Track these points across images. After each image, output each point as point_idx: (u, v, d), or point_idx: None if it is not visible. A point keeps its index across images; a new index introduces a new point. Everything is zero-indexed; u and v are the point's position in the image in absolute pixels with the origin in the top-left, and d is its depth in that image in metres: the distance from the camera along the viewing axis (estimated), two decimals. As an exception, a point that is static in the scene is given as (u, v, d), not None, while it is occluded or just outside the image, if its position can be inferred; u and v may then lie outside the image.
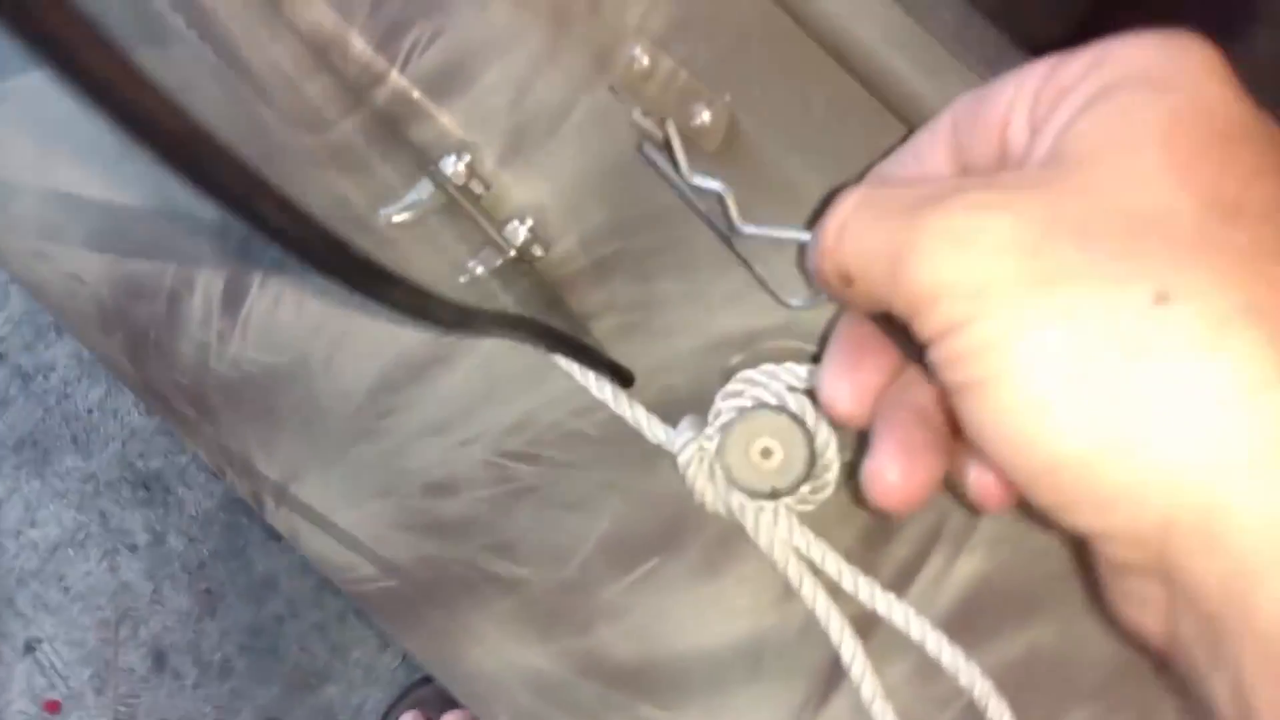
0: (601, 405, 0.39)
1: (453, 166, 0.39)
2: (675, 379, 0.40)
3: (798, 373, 0.37)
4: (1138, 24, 0.23)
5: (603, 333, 0.40)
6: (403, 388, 0.42)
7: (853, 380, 0.30)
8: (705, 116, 0.37)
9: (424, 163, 0.40)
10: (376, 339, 0.42)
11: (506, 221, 0.39)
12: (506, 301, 0.40)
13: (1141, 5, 0.28)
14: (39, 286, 0.48)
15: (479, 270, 0.39)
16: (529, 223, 0.39)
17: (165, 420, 0.49)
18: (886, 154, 0.31)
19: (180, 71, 0.42)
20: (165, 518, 1.17)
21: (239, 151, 0.17)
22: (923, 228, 0.23)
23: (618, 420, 0.39)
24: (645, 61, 0.38)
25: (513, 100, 0.40)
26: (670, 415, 0.39)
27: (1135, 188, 0.22)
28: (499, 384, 0.41)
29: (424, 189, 0.39)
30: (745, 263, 0.38)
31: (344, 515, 0.44)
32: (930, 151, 0.28)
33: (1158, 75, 0.22)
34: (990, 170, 0.26)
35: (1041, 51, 0.25)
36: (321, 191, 0.41)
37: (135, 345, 0.47)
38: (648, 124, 0.38)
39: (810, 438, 0.35)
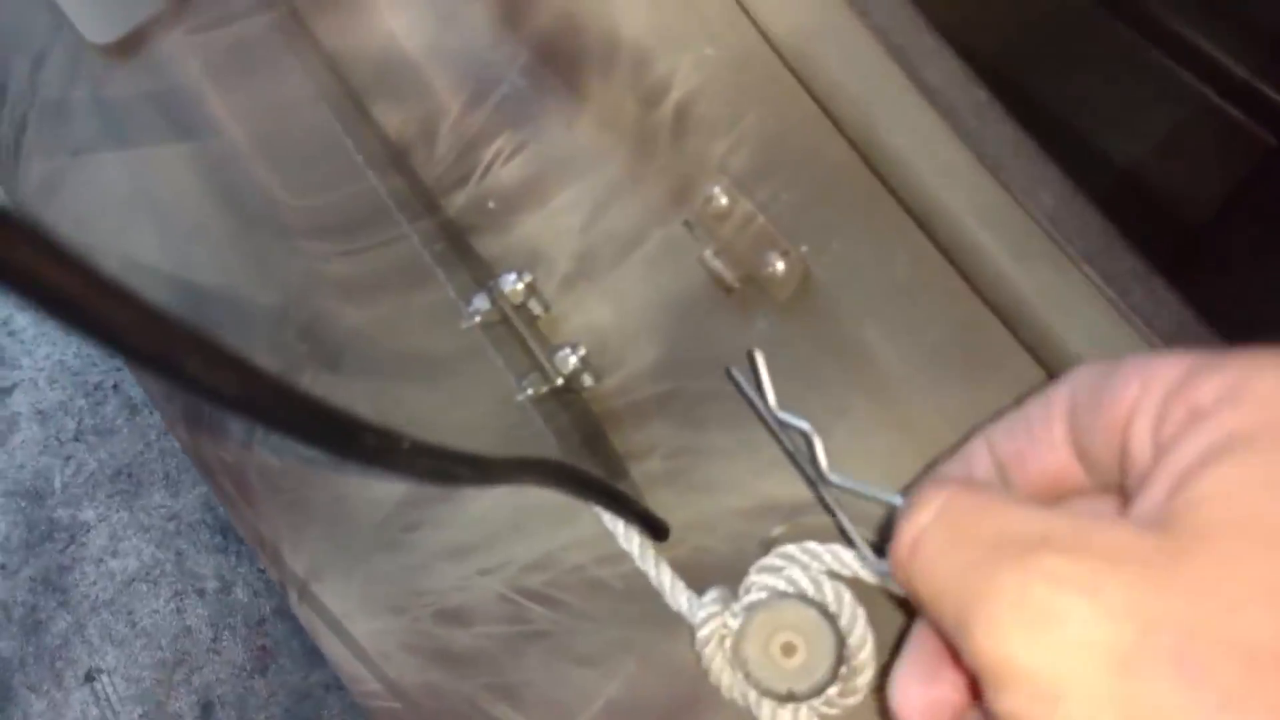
0: (629, 555, 0.36)
1: (512, 284, 0.38)
2: (711, 540, 0.36)
3: (842, 557, 0.33)
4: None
5: (643, 476, 0.37)
6: (431, 504, 0.40)
7: (925, 694, 0.25)
8: (779, 266, 0.35)
9: (483, 278, 0.39)
10: (414, 448, 0.40)
11: (559, 348, 0.37)
12: (545, 431, 0.38)
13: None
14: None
15: (528, 392, 0.37)
16: (581, 351, 0.37)
17: (212, 491, 0.49)
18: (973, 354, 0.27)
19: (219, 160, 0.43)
20: (235, 568, 1.18)
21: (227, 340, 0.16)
22: (998, 587, 0.19)
23: (644, 575, 0.36)
24: (724, 201, 0.36)
25: (586, 222, 0.39)
26: (701, 578, 0.36)
27: (1264, 605, 0.17)
28: (528, 516, 0.39)
29: (480, 303, 0.38)
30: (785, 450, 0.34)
31: (357, 625, 0.42)
32: (1044, 429, 0.24)
33: None
34: (1110, 470, 0.22)
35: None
36: (373, 307, 0.41)
37: (191, 416, 0.47)
38: (718, 265, 0.36)
39: (842, 637, 0.31)
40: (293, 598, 0.45)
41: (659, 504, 0.37)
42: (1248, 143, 0.87)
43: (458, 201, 0.41)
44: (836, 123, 0.31)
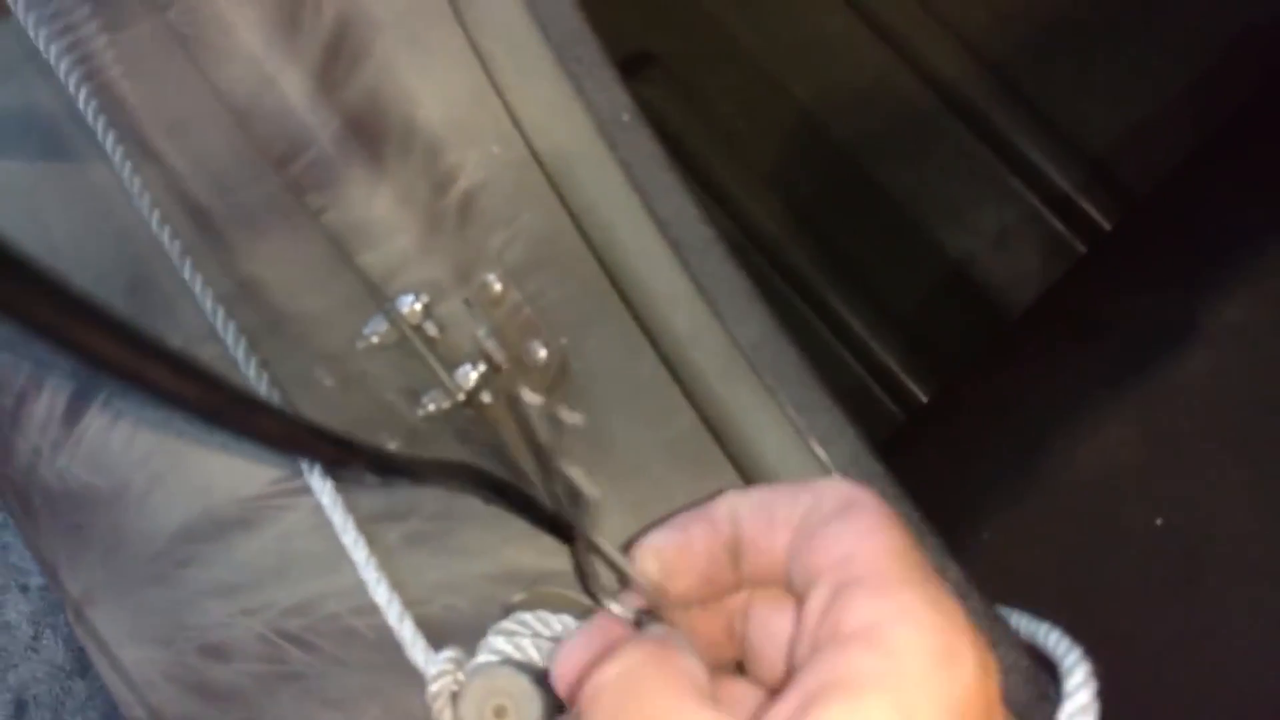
0: (380, 608, 0.38)
1: (409, 305, 0.38)
2: (460, 601, 0.39)
3: (571, 627, 0.36)
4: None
5: (403, 535, 0.40)
6: (203, 541, 0.42)
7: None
8: (541, 354, 0.38)
9: (380, 298, 0.40)
10: (193, 486, 0.42)
11: (459, 365, 0.38)
12: (449, 443, 0.39)
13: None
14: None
15: (430, 408, 0.38)
16: (481, 368, 0.38)
17: (2, 507, 0.49)
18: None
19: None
20: (65, 564, 1.15)
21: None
22: None
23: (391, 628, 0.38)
24: (498, 288, 0.39)
25: (383, 282, 0.41)
26: (448, 637, 0.38)
27: None
28: (293, 562, 0.41)
29: (377, 325, 0.39)
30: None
31: (127, 651, 0.43)
32: (707, 543, 0.27)
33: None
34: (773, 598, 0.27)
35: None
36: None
37: (-19, 429, 0.47)
38: (490, 344, 0.39)
39: (558, 707, 0.34)
40: (71, 618, 0.46)
41: (415, 564, 0.39)
42: (1064, 249, 0.95)
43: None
44: (586, 238, 0.34)
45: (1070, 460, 0.62)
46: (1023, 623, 0.34)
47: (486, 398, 0.38)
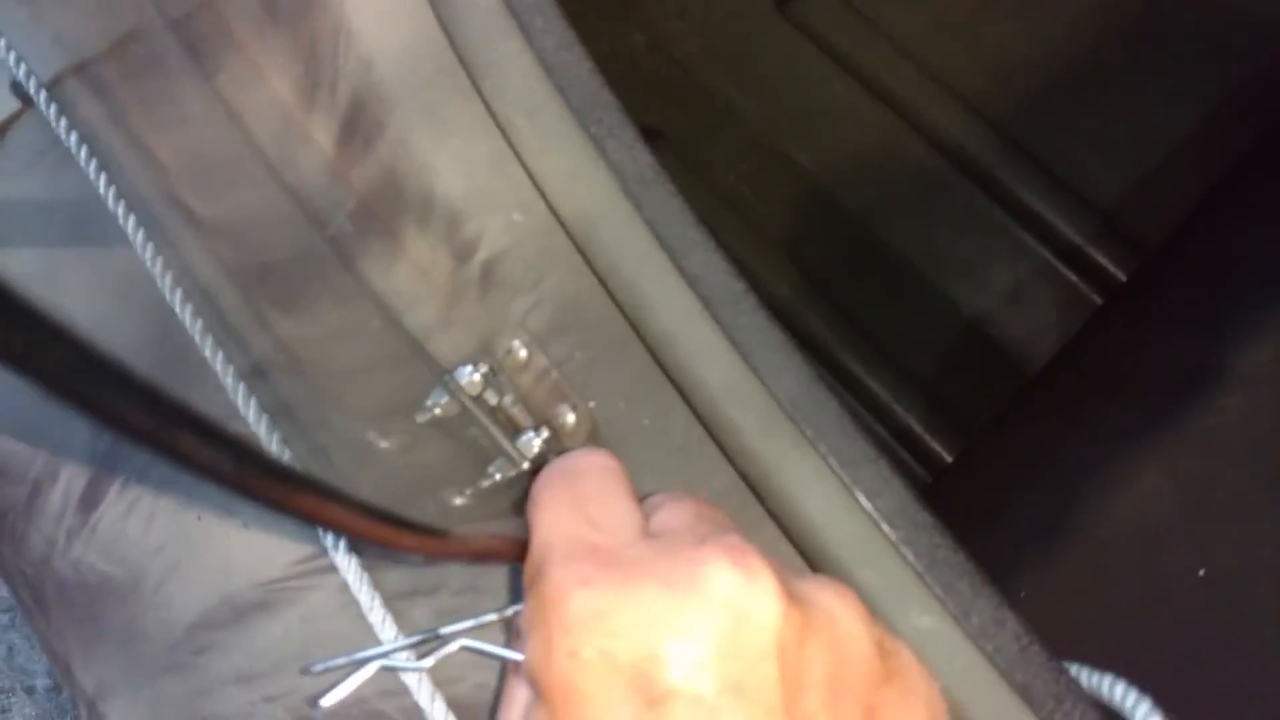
0: (409, 690, 0.37)
1: (468, 376, 0.38)
2: (492, 678, 0.37)
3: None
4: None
5: (432, 611, 0.38)
6: (222, 628, 0.40)
7: None
8: (570, 418, 0.37)
9: (438, 371, 0.39)
10: (211, 572, 0.41)
11: (522, 432, 0.37)
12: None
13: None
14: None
15: (489, 482, 0.37)
16: (545, 434, 0.37)
17: (14, 603, 0.48)
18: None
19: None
20: (73, 665, 1.12)
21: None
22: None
23: (422, 711, 0.37)
24: (523, 354, 0.38)
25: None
26: (481, 716, 0.36)
27: None
28: (316, 645, 0.39)
29: (438, 397, 0.38)
30: None
31: (141, 747, 0.42)
32: None
33: None
34: None
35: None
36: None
37: (-6, 522, 0.46)
38: (517, 412, 0.38)
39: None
40: (83, 713, 0.44)
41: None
42: (1080, 302, 0.94)
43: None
44: (614, 299, 0.34)
45: (1104, 514, 0.61)
46: (1086, 676, 0.33)
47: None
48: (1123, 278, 0.92)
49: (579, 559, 0.27)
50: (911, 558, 0.30)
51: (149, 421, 0.15)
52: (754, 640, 0.26)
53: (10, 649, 1.14)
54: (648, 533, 0.30)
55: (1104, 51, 0.88)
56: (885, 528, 0.30)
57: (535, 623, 0.28)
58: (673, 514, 0.31)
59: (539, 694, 0.28)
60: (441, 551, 0.27)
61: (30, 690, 1.13)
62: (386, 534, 0.23)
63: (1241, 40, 0.81)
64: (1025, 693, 0.29)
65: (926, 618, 0.30)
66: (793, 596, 0.27)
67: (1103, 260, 0.94)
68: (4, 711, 1.11)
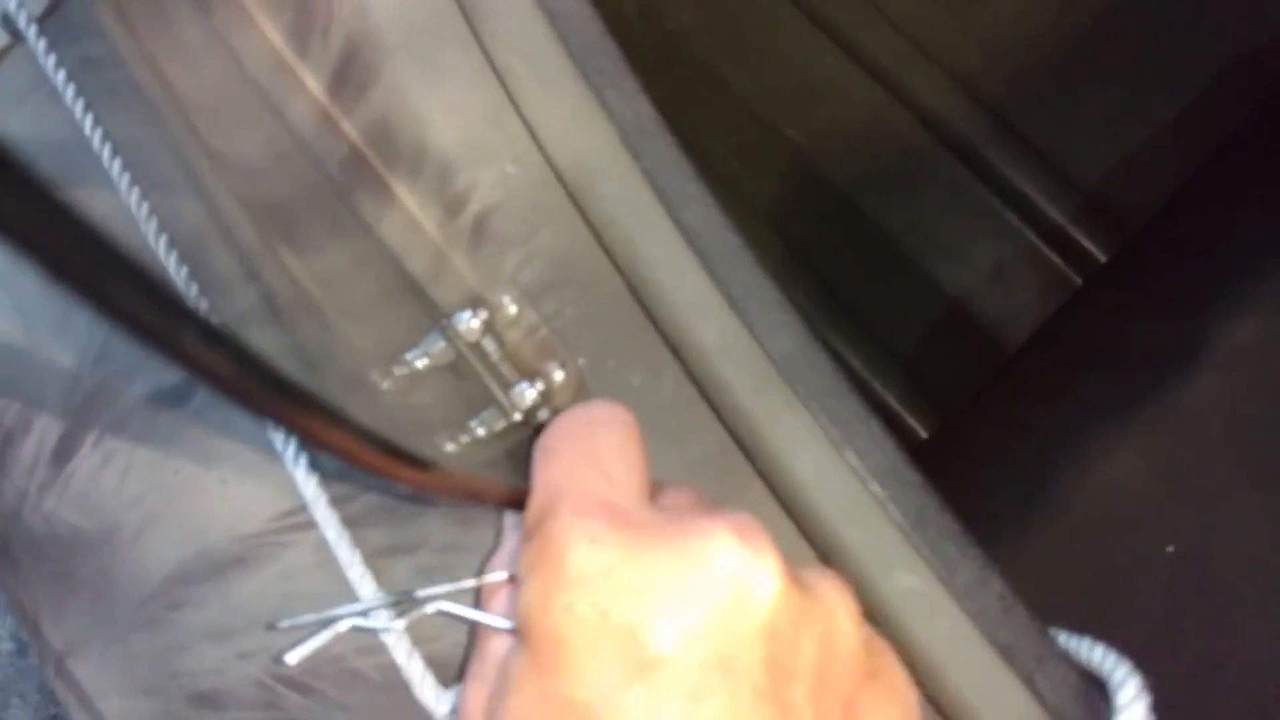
0: (386, 647, 0.36)
1: (466, 321, 0.37)
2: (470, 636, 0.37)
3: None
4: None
5: (412, 568, 0.38)
6: (198, 583, 0.39)
7: None
8: (558, 375, 0.37)
9: (436, 315, 0.38)
10: (189, 525, 0.40)
11: (516, 383, 0.36)
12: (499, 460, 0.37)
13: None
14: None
15: (479, 432, 0.36)
16: (539, 385, 0.36)
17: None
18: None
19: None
20: (38, 628, 1.11)
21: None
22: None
23: (399, 668, 0.36)
24: (513, 310, 0.37)
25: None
26: (458, 674, 0.36)
27: None
28: (295, 601, 0.38)
29: (433, 342, 0.37)
30: None
31: (111, 704, 0.41)
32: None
33: None
34: None
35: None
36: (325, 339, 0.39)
37: (-39, 474, 0.45)
38: (505, 368, 0.37)
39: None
40: (48, 673, 0.43)
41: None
42: (1061, 282, 0.95)
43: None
44: (608, 252, 0.33)
45: (1078, 491, 0.61)
46: (1065, 639, 0.33)
47: (544, 416, 0.36)
48: (1103, 259, 0.93)
49: (590, 513, 0.27)
50: (898, 516, 0.30)
51: (153, 316, 0.15)
52: (750, 618, 0.26)
53: (-30, 612, 1.12)
54: (654, 503, 0.30)
55: (1094, 31, 0.89)
56: (874, 486, 0.30)
57: (534, 569, 0.27)
58: (678, 493, 0.31)
59: (525, 640, 0.27)
60: (436, 485, 0.26)
61: (-8, 654, 1.11)
62: (384, 461, 0.22)
63: (1229, 22, 0.81)
64: (1007, 653, 0.29)
65: (911, 577, 0.30)
66: (794, 580, 0.27)
67: (1085, 241, 0.94)
68: (-36, 676, 1.10)
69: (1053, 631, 0.33)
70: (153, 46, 0.39)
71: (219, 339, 0.16)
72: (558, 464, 0.29)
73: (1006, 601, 0.30)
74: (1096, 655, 0.32)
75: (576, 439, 0.30)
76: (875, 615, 0.30)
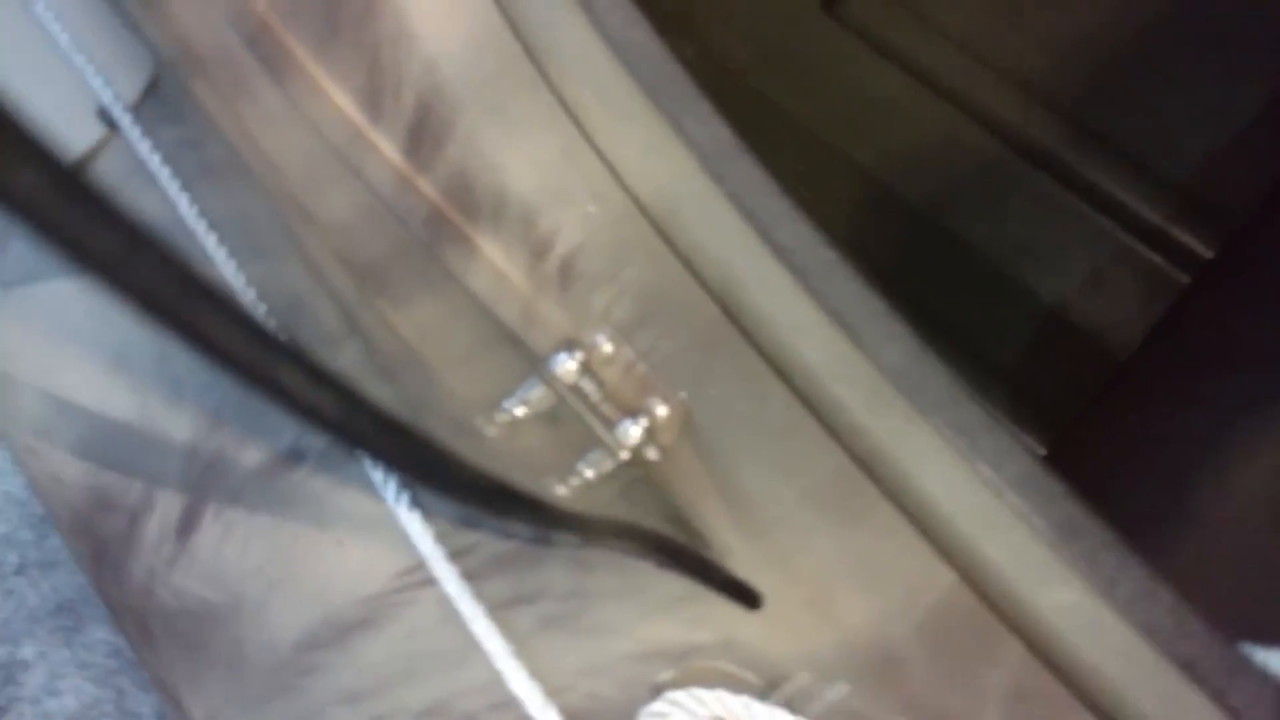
0: (519, 702, 0.36)
1: (563, 364, 0.36)
2: (602, 685, 0.36)
3: (729, 704, 0.33)
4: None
5: (534, 618, 0.37)
6: (326, 648, 0.40)
7: None
8: (661, 410, 0.36)
9: (532, 361, 0.38)
10: (311, 590, 0.40)
11: (619, 421, 0.35)
12: (626, 513, 0.36)
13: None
14: (31, 478, 0.49)
15: (588, 474, 0.36)
16: (644, 421, 0.35)
17: (123, 635, 0.48)
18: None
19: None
20: (173, 706, 1.14)
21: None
22: None
23: (533, 723, 0.36)
24: (608, 348, 0.37)
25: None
26: (592, 726, 0.35)
27: None
28: (420, 660, 0.38)
29: (532, 387, 0.36)
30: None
31: (253, 773, 0.41)
32: None
33: None
34: None
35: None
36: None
37: (97, 557, 0.46)
38: (607, 409, 0.37)
39: (722, 788, 0.31)
40: (194, 746, 0.44)
41: (552, 649, 0.37)
42: (1165, 282, 0.90)
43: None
44: (700, 280, 0.33)
45: (1223, 496, 0.57)
46: (1262, 656, 0.30)
47: (652, 454, 0.35)
48: (1208, 254, 0.88)
49: None
50: (1044, 528, 0.28)
51: (251, 351, 0.15)
52: None
53: (119, 692, 1.16)
54: None
55: (1162, 23, 0.86)
56: (1011, 497, 0.28)
57: None
58: None
59: None
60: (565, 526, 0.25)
61: (137, 731, 1.14)
62: (503, 496, 0.22)
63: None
64: (1191, 668, 0.27)
65: (1067, 592, 0.28)
66: None
67: (1185, 238, 0.90)
68: (113, 753, 1.13)
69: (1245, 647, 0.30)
70: (242, 120, 0.41)
71: (317, 376, 0.16)
72: None
73: (1180, 614, 0.27)
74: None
75: None
76: (1034, 637, 0.28)
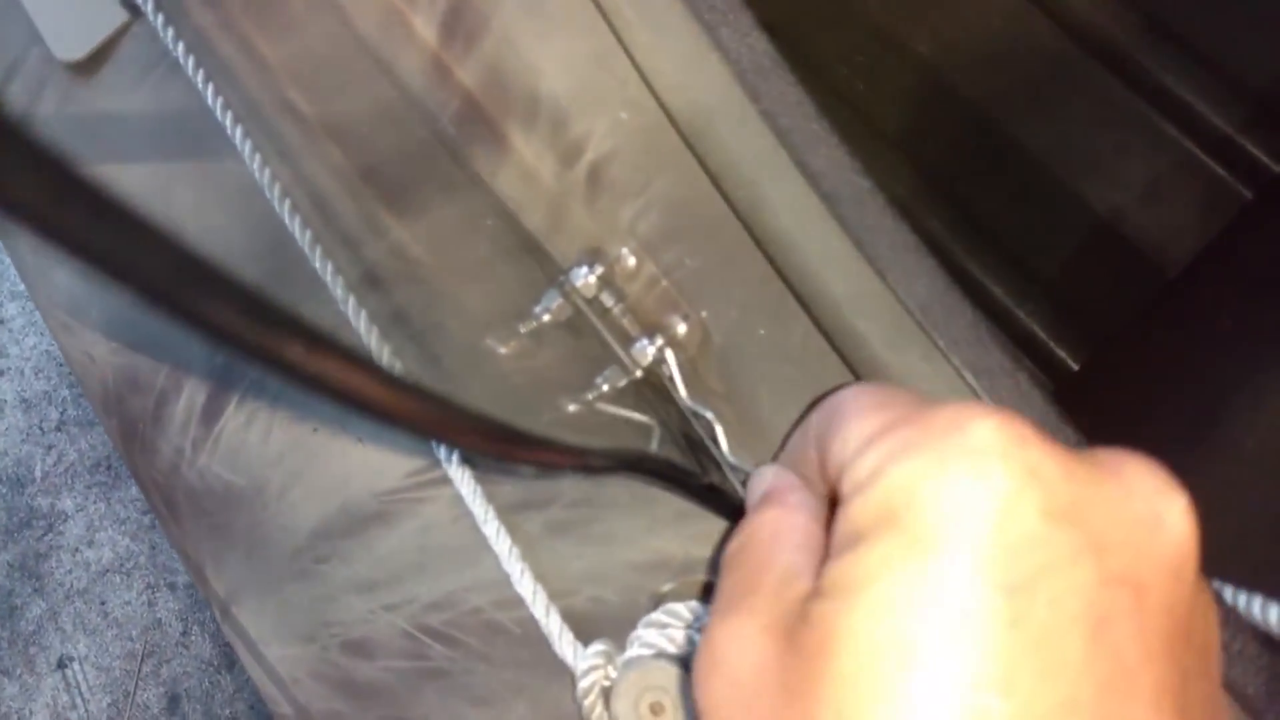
0: (524, 601, 0.37)
1: (584, 277, 0.35)
2: (606, 592, 0.37)
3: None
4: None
5: (545, 523, 0.38)
6: (342, 537, 0.41)
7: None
8: (681, 328, 0.35)
9: (553, 273, 0.37)
10: (330, 481, 0.41)
11: (636, 339, 0.35)
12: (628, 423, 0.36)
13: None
14: (65, 353, 0.50)
15: (603, 389, 0.36)
16: (659, 341, 0.34)
17: (150, 509, 0.50)
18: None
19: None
20: (211, 563, 1.20)
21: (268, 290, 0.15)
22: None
23: (537, 622, 0.37)
24: (631, 263, 0.36)
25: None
26: (595, 630, 0.36)
27: None
28: (433, 555, 0.39)
29: (551, 300, 0.36)
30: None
31: (272, 649, 0.43)
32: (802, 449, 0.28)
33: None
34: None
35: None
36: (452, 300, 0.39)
37: (126, 434, 0.48)
38: (625, 322, 0.37)
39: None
40: (218, 617, 0.46)
41: (559, 554, 0.37)
42: (1226, 196, 0.87)
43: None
44: (728, 200, 0.31)
45: (1253, 426, 0.56)
46: (1245, 601, 0.30)
47: (668, 371, 0.35)
48: (1277, 168, 0.84)
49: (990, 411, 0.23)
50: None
51: (254, 330, 0.14)
52: (1161, 549, 0.22)
53: (153, 547, 1.22)
54: None
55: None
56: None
57: (916, 446, 0.22)
58: None
59: (890, 525, 0.22)
60: (557, 463, 0.26)
61: (173, 586, 1.21)
62: (501, 448, 0.22)
63: None
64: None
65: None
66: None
67: (1254, 150, 0.85)
68: (150, 605, 1.20)
69: (1225, 590, 0.30)
70: (261, 14, 0.39)
71: (320, 345, 0.15)
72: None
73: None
74: (1273, 615, 0.29)
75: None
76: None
